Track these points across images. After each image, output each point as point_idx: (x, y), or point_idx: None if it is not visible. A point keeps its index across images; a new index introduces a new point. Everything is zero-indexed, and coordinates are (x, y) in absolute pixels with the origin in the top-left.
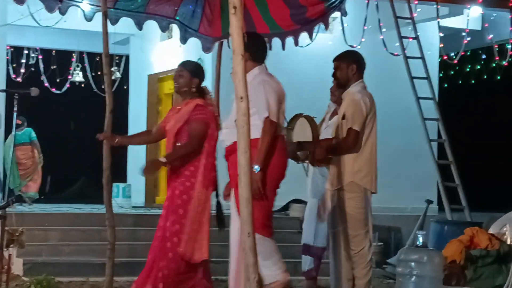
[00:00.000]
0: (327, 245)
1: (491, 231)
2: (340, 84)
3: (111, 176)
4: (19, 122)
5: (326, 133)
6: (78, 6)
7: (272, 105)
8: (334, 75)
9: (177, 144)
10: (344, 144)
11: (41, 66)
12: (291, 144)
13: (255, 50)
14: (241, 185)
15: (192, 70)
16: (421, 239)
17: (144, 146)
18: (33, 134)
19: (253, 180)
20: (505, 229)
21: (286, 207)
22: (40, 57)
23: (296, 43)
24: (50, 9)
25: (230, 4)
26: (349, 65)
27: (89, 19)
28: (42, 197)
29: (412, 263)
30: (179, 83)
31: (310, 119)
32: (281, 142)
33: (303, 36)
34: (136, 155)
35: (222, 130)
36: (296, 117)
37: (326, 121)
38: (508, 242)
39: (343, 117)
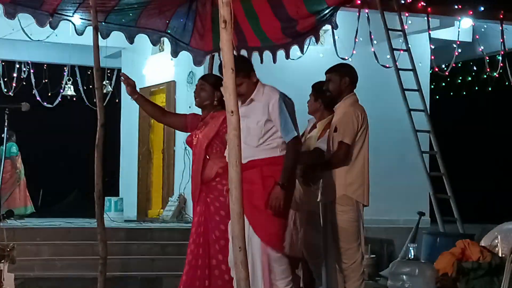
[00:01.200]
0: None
1: (482, 243)
2: (332, 97)
3: (103, 190)
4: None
5: (306, 146)
6: (69, 21)
7: (294, 122)
8: (326, 87)
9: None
10: (335, 158)
11: (33, 80)
12: None
13: (249, 69)
14: (232, 199)
15: (214, 83)
16: (412, 252)
17: (135, 161)
18: (13, 149)
19: (275, 196)
20: (496, 241)
21: None
22: (32, 71)
23: (287, 56)
24: (41, 24)
25: (220, 18)
26: (342, 78)
27: (80, 33)
28: (34, 211)
29: (404, 276)
30: (201, 96)
31: None
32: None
33: (294, 49)
34: (128, 169)
35: None
36: None
37: (306, 135)
38: (500, 254)
39: (335, 130)
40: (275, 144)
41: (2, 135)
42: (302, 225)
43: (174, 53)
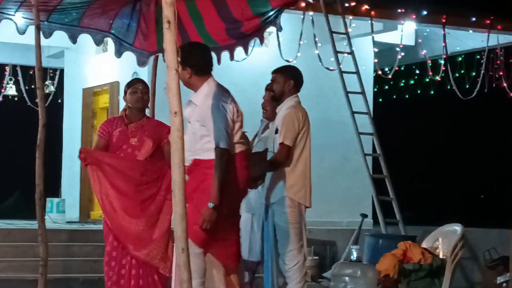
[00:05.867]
0: (261, 259)
1: (424, 245)
2: (275, 97)
3: (44, 191)
4: None
5: (258, 147)
6: (11, 20)
7: (223, 131)
8: (270, 86)
9: None
10: (276, 159)
11: None
12: None
13: (196, 63)
14: (175, 201)
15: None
16: (355, 254)
17: (78, 162)
18: None
19: (206, 219)
20: (437, 242)
21: None
22: None
23: (232, 58)
24: None
25: (164, 18)
26: (286, 80)
27: (22, 32)
28: None
29: (346, 278)
30: (145, 100)
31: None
32: (238, 159)
33: (239, 51)
34: (71, 170)
35: None
36: None
37: (259, 135)
38: (441, 256)
39: (276, 131)
40: (210, 146)
41: None
42: (260, 228)
43: (118, 54)
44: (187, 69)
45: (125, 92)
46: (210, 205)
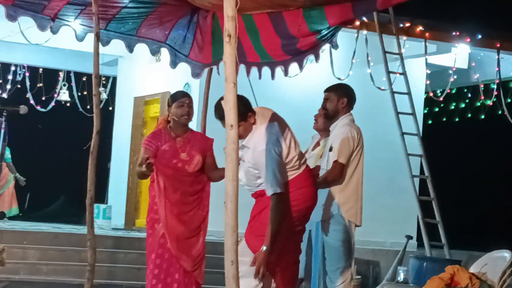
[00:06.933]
0: (305, 276)
1: (471, 270)
2: (329, 115)
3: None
4: None
5: (308, 164)
6: (70, 26)
7: (277, 176)
8: (324, 105)
9: None
10: (329, 177)
11: (28, 83)
12: None
13: (246, 111)
14: (227, 213)
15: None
16: (402, 275)
17: (126, 169)
18: (8, 154)
19: (259, 262)
20: (485, 268)
21: None
22: (27, 74)
23: (286, 73)
24: (42, 28)
25: (224, 32)
26: (339, 98)
27: (80, 39)
28: (20, 214)
29: None
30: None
31: None
32: (303, 178)
33: (293, 66)
34: (118, 177)
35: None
36: None
37: (309, 152)
38: (489, 282)
39: (330, 149)
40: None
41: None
42: (305, 244)
43: (173, 64)
44: (250, 117)
45: (169, 105)
46: (263, 248)
